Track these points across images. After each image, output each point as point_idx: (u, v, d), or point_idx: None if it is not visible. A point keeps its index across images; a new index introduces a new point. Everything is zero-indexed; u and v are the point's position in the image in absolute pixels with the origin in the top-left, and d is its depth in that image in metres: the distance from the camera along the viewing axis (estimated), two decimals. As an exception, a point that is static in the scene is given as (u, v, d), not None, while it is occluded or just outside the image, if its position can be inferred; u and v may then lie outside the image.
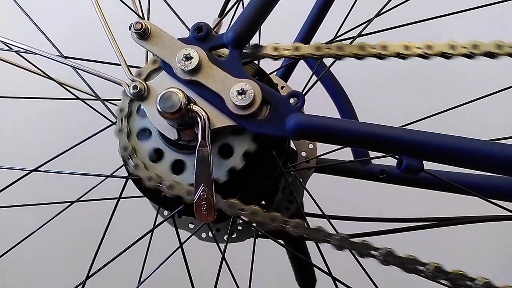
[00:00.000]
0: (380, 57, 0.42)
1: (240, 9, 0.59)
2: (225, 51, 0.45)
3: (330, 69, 0.63)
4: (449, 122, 0.62)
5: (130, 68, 0.45)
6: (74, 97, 0.57)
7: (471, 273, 0.41)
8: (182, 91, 0.40)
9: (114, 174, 0.49)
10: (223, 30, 0.62)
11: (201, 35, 0.43)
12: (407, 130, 0.39)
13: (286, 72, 0.65)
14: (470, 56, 0.41)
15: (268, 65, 0.52)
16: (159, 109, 0.39)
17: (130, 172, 0.47)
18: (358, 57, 0.43)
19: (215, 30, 0.61)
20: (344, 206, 0.70)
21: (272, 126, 0.41)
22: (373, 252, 0.40)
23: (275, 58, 0.44)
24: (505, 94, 0.52)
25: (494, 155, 0.38)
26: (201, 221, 0.41)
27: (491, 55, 0.42)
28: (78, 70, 0.48)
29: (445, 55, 0.41)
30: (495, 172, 0.41)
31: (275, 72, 0.63)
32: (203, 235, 0.60)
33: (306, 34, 0.62)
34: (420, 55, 0.41)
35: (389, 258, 0.40)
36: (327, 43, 0.54)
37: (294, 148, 0.60)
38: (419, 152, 0.39)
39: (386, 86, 1.06)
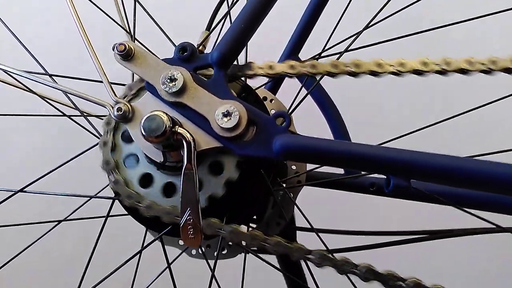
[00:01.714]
0: (353, 74, 0.41)
1: (227, 23, 0.58)
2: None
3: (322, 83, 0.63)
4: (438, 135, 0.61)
5: (115, 86, 0.44)
6: (60, 113, 0.56)
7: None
8: (166, 114, 0.39)
9: (100, 194, 0.48)
10: (211, 42, 0.62)
11: (186, 55, 0.42)
12: (394, 150, 0.39)
13: (275, 84, 0.65)
14: (442, 72, 0.41)
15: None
16: (143, 133, 0.39)
17: (116, 192, 0.46)
18: (331, 75, 0.43)
19: (203, 43, 0.60)
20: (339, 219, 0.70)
21: (258, 147, 0.40)
22: (308, 256, 0.41)
23: (250, 76, 0.43)
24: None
25: (480, 173, 0.38)
26: (188, 246, 0.40)
27: (462, 71, 0.41)
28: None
29: (418, 72, 0.41)
30: (481, 190, 0.41)
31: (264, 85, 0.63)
32: (193, 251, 0.59)
33: (294, 47, 0.61)
34: (392, 73, 0.41)
35: (323, 261, 0.41)
36: (313, 57, 0.54)
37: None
38: (406, 172, 0.39)
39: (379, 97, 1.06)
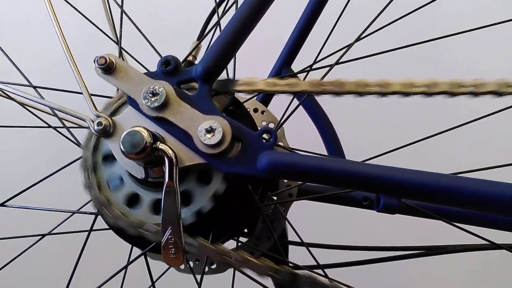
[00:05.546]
0: (313, 93, 0.40)
1: (218, 33, 0.57)
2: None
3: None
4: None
5: (102, 99, 0.43)
6: (46, 125, 0.55)
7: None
8: (147, 130, 0.38)
9: (83, 210, 0.47)
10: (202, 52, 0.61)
11: (169, 69, 0.41)
12: (384, 168, 0.37)
13: (267, 95, 0.64)
14: (406, 94, 0.39)
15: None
16: (123, 150, 0.37)
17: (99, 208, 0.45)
18: (291, 93, 0.42)
19: (193, 53, 0.59)
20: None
21: (243, 164, 0.39)
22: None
23: (232, 93, 0.42)
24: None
25: (471, 192, 0.36)
26: (169, 265, 0.39)
27: (425, 94, 0.40)
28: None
29: (378, 93, 0.40)
30: (478, 210, 0.39)
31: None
32: (182, 266, 0.58)
33: (286, 58, 0.60)
34: (354, 92, 0.40)
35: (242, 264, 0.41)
36: (304, 70, 0.53)
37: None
38: (397, 192, 0.37)
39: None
